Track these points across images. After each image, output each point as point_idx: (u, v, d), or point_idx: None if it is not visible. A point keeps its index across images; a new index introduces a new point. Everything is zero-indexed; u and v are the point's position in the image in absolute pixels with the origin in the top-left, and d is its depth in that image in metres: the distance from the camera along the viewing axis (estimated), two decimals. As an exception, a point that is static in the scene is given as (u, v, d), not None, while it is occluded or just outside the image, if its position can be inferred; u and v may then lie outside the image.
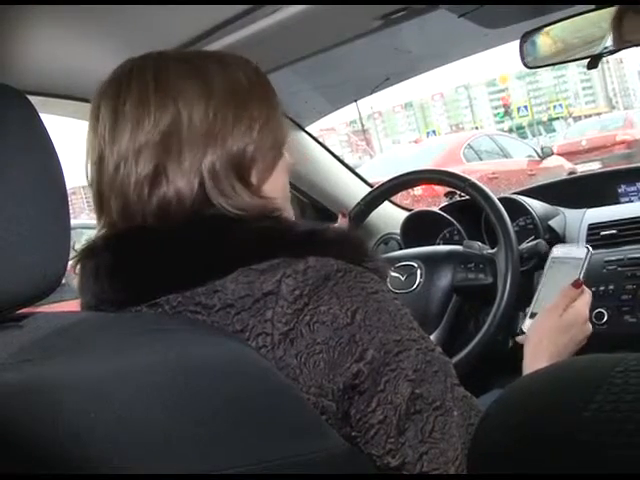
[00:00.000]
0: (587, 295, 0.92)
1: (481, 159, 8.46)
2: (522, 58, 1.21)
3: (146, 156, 0.66)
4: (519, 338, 0.95)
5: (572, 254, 1.01)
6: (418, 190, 5.96)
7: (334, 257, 0.65)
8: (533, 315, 0.98)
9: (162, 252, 0.65)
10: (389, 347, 0.62)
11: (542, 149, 9.13)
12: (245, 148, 0.68)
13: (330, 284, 0.63)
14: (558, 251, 1.04)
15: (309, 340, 0.61)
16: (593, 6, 1.08)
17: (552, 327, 0.88)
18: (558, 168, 8.67)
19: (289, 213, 0.76)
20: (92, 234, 0.72)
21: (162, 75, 0.67)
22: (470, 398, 0.67)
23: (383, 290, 0.66)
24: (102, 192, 0.69)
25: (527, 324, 0.97)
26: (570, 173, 7.71)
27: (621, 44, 1.06)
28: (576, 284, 0.91)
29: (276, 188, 0.72)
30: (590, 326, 0.92)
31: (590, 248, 0.99)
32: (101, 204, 0.70)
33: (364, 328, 0.62)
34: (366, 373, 0.61)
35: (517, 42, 1.21)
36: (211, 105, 0.67)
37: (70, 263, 0.64)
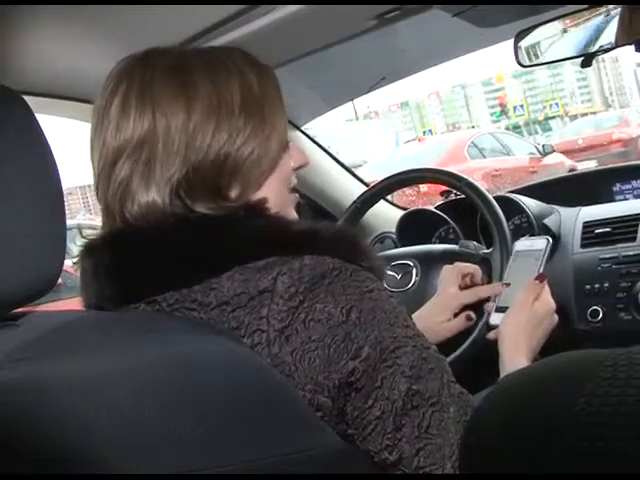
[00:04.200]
0: (547, 286, 0.94)
1: (484, 157, 8.56)
2: (516, 57, 1.21)
3: (122, 161, 0.67)
4: (490, 334, 0.95)
5: (533, 246, 1.01)
6: (423, 187, 6.00)
7: (330, 256, 0.65)
8: (499, 309, 0.97)
9: (160, 250, 0.66)
10: (385, 344, 0.63)
11: (543, 147, 9.23)
12: (225, 159, 0.68)
13: (325, 282, 0.63)
14: (520, 244, 1.04)
15: (304, 337, 0.61)
16: (586, 5, 1.08)
17: (527, 322, 0.89)
18: (559, 165, 8.79)
19: (290, 216, 0.75)
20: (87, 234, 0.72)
21: (146, 82, 0.68)
22: (466, 395, 0.68)
23: (378, 289, 0.66)
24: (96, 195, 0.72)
25: (494, 318, 0.96)
26: (570, 170, 7.78)
27: (627, 40, 1.06)
28: (540, 278, 0.93)
29: (267, 196, 0.71)
30: (557, 317, 0.93)
31: (550, 239, 1.00)
32: (101, 204, 0.71)
33: (359, 326, 0.62)
34: (361, 370, 0.61)
35: (512, 41, 1.22)
36: (192, 118, 0.67)
37: (67, 263, 0.65)
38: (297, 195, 0.79)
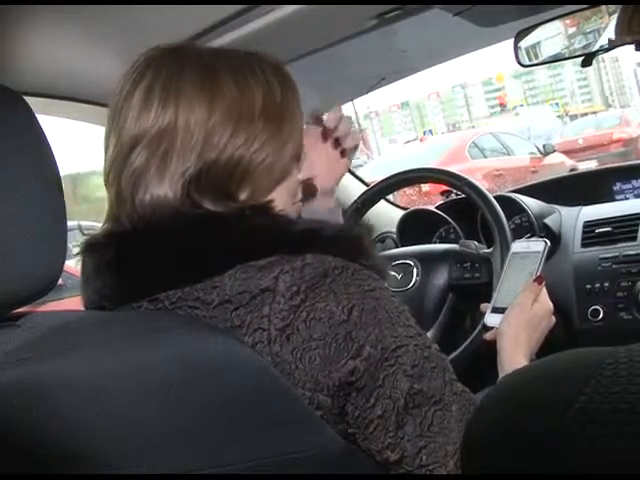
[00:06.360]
0: (545, 288, 0.95)
1: (485, 157, 8.56)
2: (516, 57, 1.21)
3: (139, 150, 0.67)
4: (487, 335, 0.95)
5: (531, 248, 1.02)
6: (425, 186, 6.01)
7: (332, 254, 0.66)
8: (495, 310, 0.97)
9: (163, 248, 0.66)
10: (386, 343, 0.63)
11: (544, 146, 9.24)
12: (238, 161, 0.68)
13: (327, 281, 0.63)
14: (517, 246, 1.04)
15: (305, 336, 0.61)
16: (586, 5, 1.08)
17: (527, 322, 0.90)
18: (559, 165, 8.80)
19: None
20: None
21: (174, 77, 0.68)
22: (468, 393, 0.68)
23: (380, 288, 0.66)
24: (105, 182, 0.71)
25: (491, 319, 0.97)
26: (571, 170, 7.78)
27: (627, 40, 1.06)
28: (538, 280, 0.94)
29: (275, 201, 0.71)
30: (554, 318, 0.94)
31: (548, 242, 1.00)
32: (112, 191, 0.71)
33: (360, 325, 0.62)
34: (362, 370, 0.61)
35: (512, 41, 1.22)
36: (213, 116, 0.67)
37: (68, 263, 0.65)
38: (301, 205, 0.80)
